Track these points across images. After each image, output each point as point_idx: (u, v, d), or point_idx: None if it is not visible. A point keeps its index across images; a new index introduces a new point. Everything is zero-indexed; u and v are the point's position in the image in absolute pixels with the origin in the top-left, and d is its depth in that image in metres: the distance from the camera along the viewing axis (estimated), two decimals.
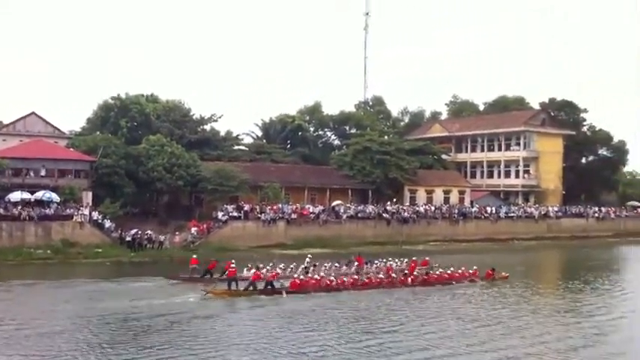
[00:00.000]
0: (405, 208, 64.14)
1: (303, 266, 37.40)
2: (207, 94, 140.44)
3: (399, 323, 26.82)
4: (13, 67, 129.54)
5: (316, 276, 34.90)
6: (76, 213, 48.28)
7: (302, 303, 30.77)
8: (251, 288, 32.33)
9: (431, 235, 62.53)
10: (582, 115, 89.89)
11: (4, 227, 45.88)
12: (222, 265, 35.66)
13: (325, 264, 38.03)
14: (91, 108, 68.78)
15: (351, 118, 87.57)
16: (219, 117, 74.56)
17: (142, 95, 71.10)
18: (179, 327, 25.42)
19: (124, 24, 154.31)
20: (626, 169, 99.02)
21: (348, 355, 21.93)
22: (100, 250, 46.45)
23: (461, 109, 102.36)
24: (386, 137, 77.50)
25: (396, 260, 40.91)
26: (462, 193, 74.12)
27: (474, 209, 68.03)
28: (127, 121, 64.91)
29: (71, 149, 57.93)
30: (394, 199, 65.64)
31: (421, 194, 71.47)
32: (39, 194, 48.49)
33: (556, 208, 74.22)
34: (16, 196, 48.04)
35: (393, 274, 36.96)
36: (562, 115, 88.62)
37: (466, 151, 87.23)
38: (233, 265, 34.04)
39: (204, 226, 52.63)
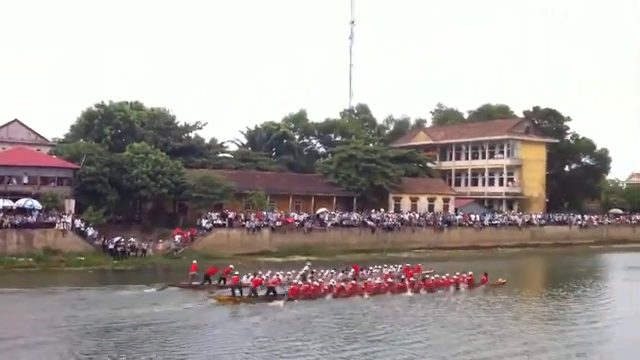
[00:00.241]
0: (389, 215, 64.24)
1: (301, 273, 37.72)
2: (192, 102, 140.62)
3: (384, 332, 26.79)
4: None
5: (315, 282, 35.15)
6: (58, 221, 47.84)
7: (301, 310, 30.88)
8: (253, 294, 32.57)
9: (415, 242, 62.63)
10: (566, 123, 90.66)
11: None
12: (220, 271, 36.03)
13: (322, 270, 38.42)
14: (75, 115, 68.52)
15: (336, 126, 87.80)
16: (204, 124, 74.74)
17: (126, 102, 70.78)
18: (160, 336, 25.18)
19: (107, 32, 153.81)
20: (609, 177, 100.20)
21: None
22: (82, 258, 45.97)
23: (445, 118, 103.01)
24: (371, 145, 77.62)
25: (392, 266, 41.30)
26: (446, 200, 74.32)
27: (458, 217, 68.26)
28: (110, 128, 64.56)
29: (54, 157, 57.51)
30: (379, 207, 65.75)
31: (406, 202, 71.61)
32: (21, 202, 48.01)
33: (539, 216, 74.67)
34: None
35: (391, 280, 37.27)
36: (546, 123, 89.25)
37: (451, 159, 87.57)
38: (237, 273, 34.36)
39: (188, 233, 52.38)
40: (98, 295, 34.43)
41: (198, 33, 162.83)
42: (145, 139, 62.65)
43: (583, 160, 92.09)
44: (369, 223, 61.05)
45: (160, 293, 34.86)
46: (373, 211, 63.66)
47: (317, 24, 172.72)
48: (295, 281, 35.51)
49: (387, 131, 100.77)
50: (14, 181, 51.92)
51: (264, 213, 56.94)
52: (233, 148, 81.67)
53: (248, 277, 35.13)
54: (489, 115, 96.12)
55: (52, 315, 28.72)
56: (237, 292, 32.91)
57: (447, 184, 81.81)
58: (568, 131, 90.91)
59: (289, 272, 37.56)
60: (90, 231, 49.06)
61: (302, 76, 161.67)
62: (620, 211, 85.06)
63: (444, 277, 38.60)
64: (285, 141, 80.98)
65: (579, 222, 76.16)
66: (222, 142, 78.61)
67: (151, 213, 60.40)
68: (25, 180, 52.06)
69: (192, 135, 74.11)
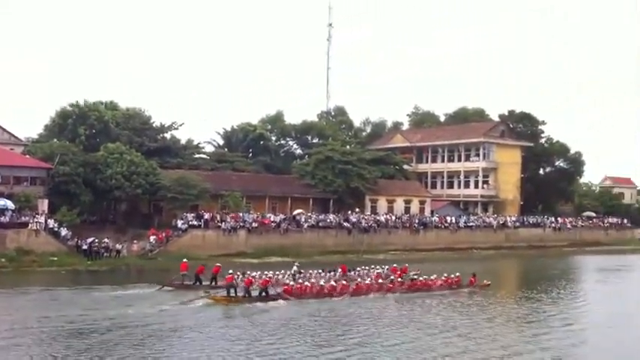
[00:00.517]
0: (366, 217, 64.36)
1: (290, 273, 37.93)
2: (168, 103, 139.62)
3: (362, 334, 26.80)
4: None
5: (307, 283, 35.26)
6: (31, 221, 47.25)
7: (289, 310, 30.97)
8: (246, 295, 32.61)
9: (391, 244, 62.80)
10: (540, 127, 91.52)
11: None
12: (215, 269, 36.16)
13: (310, 271, 38.60)
14: (49, 115, 67.66)
15: (313, 128, 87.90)
16: (180, 125, 74.19)
17: (101, 102, 70.08)
18: (133, 338, 24.94)
19: (83, 32, 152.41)
20: (582, 180, 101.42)
21: None
22: (55, 259, 45.45)
23: (422, 120, 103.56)
24: (348, 147, 77.82)
25: (379, 267, 41.72)
26: (422, 202, 74.66)
27: (434, 219, 68.65)
28: (85, 128, 63.77)
29: (27, 156, 56.80)
30: (355, 209, 65.82)
31: (382, 204, 71.80)
32: None
33: (514, 218, 75.36)
34: None
35: (381, 281, 37.56)
36: (520, 127, 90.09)
37: (427, 162, 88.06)
38: (230, 271, 34.33)
39: (163, 234, 51.99)
40: (71, 295, 33.99)
41: (175, 34, 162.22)
42: (119, 139, 62.07)
43: (557, 163, 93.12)
44: (345, 224, 61.12)
45: (133, 294, 34.49)
46: (350, 212, 63.73)
47: (296, 26, 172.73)
48: (287, 281, 35.77)
49: (363, 133, 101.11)
50: None
51: (240, 214, 56.78)
52: (209, 148, 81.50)
53: (238, 276, 35.05)
54: (465, 118, 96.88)
55: (24, 315, 28.28)
56: (232, 292, 32.88)
57: (423, 186, 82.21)
58: (542, 135, 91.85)
59: (278, 272, 37.59)
60: (63, 231, 48.47)
61: (279, 78, 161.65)
62: (593, 214, 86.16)
63: (432, 278, 38.94)
64: (261, 142, 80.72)
65: (553, 225, 76.96)
66: (199, 143, 78.22)
67: (125, 213, 59.86)
68: None
69: (167, 135, 73.61)
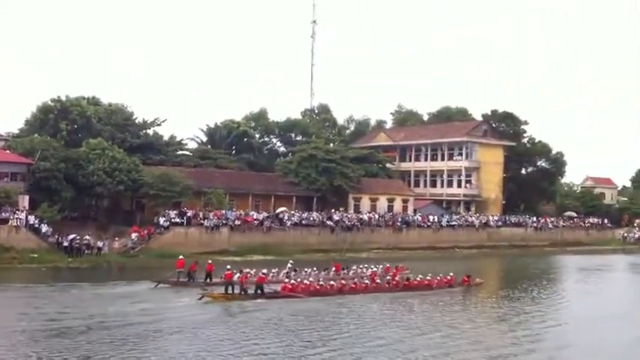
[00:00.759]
0: (349, 215, 64.40)
1: (284, 271, 38.06)
2: (151, 99, 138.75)
3: (357, 334, 26.78)
4: None
5: (306, 281, 35.44)
6: (11, 217, 46.76)
7: (285, 308, 30.93)
8: (243, 292, 32.65)
9: (374, 242, 62.84)
10: (522, 127, 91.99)
11: None
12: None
13: (305, 269, 38.68)
14: (30, 110, 66.86)
15: (297, 125, 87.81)
16: (163, 121, 73.52)
17: (83, 98, 69.29)
18: (113, 337, 24.76)
19: (66, 28, 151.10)
20: (564, 180, 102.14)
21: None
22: (35, 256, 45.03)
23: (405, 119, 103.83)
24: (331, 145, 77.83)
25: (374, 266, 42.16)
26: (405, 201, 74.84)
27: (416, 218, 68.82)
28: (67, 123, 62.95)
29: (7, 151, 56.15)
30: (339, 207, 65.83)
31: (365, 202, 71.87)
32: None
33: (496, 218, 75.74)
34: None
35: (378, 280, 37.86)
36: (503, 126, 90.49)
37: (410, 160, 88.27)
38: (228, 267, 34.43)
39: (145, 232, 51.60)
40: (51, 292, 33.68)
41: (159, 31, 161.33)
42: (101, 134, 61.53)
43: (539, 163, 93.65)
44: (328, 222, 61.11)
45: (115, 292, 34.28)
46: (333, 210, 63.76)
47: (280, 23, 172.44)
48: (283, 278, 36.01)
49: (347, 131, 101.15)
50: None
51: (223, 212, 56.50)
52: (192, 145, 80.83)
53: (235, 273, 34.92)
54: (448, 117, 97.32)
55: (3, 313, 28.06)
56: (229, 289, 32.84)
57: (406, 184, 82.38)
58: (525, 135, 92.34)
59: (272, 270, 37.76)
60: (44, 228, 48.02)
61: (263, 75, 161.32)
62: (575, 214, 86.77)
63: (427, 277, 39.15)
64: (245, 139, 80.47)
65: (535, 224, 77.43)
66: (182, 140, 77.58)
67: (107, 210, 59.34)
68: None
69: (150, 132, 72.92)
